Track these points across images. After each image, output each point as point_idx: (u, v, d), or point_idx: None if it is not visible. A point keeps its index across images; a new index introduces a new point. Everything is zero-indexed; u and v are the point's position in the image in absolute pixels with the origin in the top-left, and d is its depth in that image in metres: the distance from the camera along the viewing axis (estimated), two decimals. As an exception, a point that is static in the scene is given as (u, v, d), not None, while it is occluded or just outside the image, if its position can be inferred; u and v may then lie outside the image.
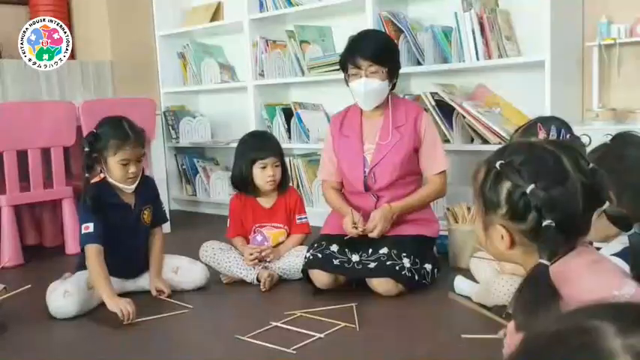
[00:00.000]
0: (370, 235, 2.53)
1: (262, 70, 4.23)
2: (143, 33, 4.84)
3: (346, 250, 2.53)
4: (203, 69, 4.62)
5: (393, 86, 2.76)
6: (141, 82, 4.82)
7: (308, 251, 2.61)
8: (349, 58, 2.67)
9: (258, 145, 2.88)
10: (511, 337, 1.17)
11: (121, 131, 2.53)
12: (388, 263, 2.45)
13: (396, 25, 3.53)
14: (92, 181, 2.59)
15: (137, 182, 2.60)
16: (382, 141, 2.68)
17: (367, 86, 2.62)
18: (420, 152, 2.70)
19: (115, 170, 2.54)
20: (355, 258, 2.50)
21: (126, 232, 2.63)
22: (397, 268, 2.44)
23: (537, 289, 1.05)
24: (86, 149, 2.55)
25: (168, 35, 4.78)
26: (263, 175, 2.82)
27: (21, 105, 3.61)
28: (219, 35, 4.75)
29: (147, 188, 2.71)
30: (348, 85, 2.73)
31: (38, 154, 3.39)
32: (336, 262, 2.49)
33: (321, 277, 2.53)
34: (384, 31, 3.05)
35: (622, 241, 1.62)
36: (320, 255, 2.53)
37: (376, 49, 2.64)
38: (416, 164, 2.72)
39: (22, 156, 3.34)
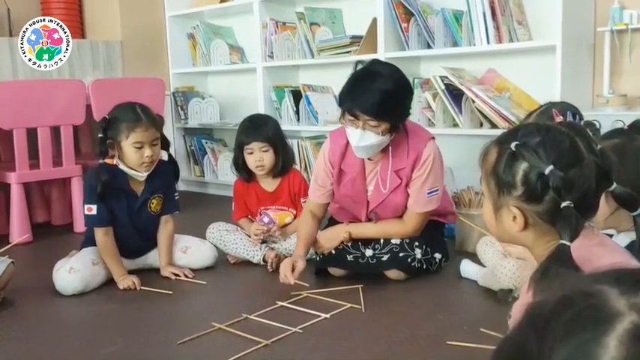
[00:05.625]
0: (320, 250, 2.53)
1: (271, 52, 4.22)
2: (153, 13, 4.84)
3: (359, 242, 2.47)
4: (212, 50, 4.61)
5: (401, 126, 2.36)
6: (150, 63, 4.82)
7: None
8: (346, 105, 2.25)
9: (247, 129, 2.85)
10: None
11: (132, 114, 2.50)
12: (401, 255, 2.44)
13: (407, 8, 3.51)
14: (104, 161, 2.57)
15: (151, 170, 2.56)
16: (381, 186, 2.45)
17: (362, 141, 2.27)
18: (409, 187, 2.44)
19: (130, 154, 2.50)
20: (369, 252, 2.45)
21: (129, 217, 2.62)
22: (409, 260, 2.44)
23: (562, 270, 1.05)
24: (100, 135, 2.54)
25: (178, 16, 4.77)
26: (251, 160, 2.81)
27: (31, 83, 3.63)
28: (229, 16, 4.74)
29: (160, 176, 2.64)
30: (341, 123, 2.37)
31: (48, 132, 3.40)
32: (350, 257, 2.47)
33: (334, 271, 2.54)
34: (393, 70, 2.31)
35: None
36: (333, 251, 2.51)
37: (380, 105, 2.20)
38: None
39: (31, 134, 3.35)
